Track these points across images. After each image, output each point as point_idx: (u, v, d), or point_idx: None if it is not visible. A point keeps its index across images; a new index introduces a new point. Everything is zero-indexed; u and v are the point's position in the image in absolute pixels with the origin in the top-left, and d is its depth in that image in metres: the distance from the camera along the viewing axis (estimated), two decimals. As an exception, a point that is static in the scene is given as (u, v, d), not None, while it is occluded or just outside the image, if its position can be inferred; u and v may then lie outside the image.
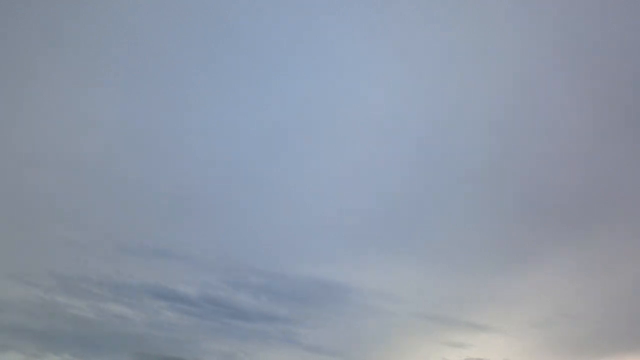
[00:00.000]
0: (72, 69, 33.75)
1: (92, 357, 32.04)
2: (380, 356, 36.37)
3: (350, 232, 36.55)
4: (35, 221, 31.74)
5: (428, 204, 35.63)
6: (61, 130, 33.68)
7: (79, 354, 32.08)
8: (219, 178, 36.60)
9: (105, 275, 33.19)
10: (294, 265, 35.80)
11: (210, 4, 34.29)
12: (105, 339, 32.95)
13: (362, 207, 36.25)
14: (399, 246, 35.61)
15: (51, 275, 31.76)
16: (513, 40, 32.03)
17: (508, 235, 35.47)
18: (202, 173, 36.34)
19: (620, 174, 34.03)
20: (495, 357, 33.59)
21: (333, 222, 36.53)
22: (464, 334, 34.46)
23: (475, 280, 35.14)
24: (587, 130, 33.64)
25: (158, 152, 36.07)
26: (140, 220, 34.34)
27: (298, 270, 35.62)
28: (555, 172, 34.53)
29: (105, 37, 33.61)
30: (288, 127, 37.05)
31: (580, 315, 34.25)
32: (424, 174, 35.30)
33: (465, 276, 35.13)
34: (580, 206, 35.20)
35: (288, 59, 35.87)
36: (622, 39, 31.32)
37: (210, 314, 35.50)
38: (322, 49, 34.28)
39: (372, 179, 36.11)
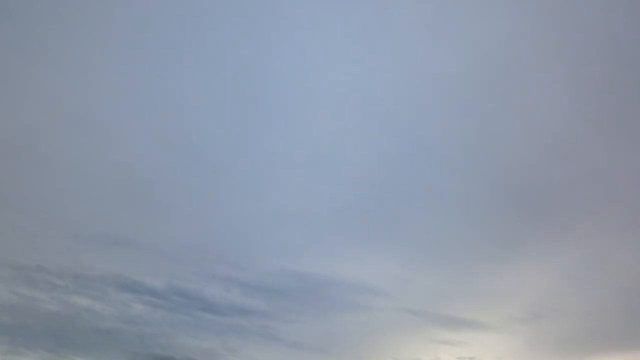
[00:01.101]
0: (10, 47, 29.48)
1: (68, 354, 31.16)
2: (366, 353, 33.55)
3: (325, 222, 33.42)
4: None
5: (409, 195, 33.25)
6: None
7: (54, 350, 31.22)
8: (182, 163, 32.55)
9: (64, 265, 31.21)
10: (265, 256, 33.00)
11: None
12: (79, 334, 31.81)
13: (337, 196, 33.20)
14: (377, 238, 33.39)
15: (5, 265, 30.00)
16: (498, 25, 29.86)
17: (493, 228, 34.04)
18: (164, 158, 32.26)
19: (607, 168, 32.78)
20: (485, 354, 32.70)
21: (305, 212, 33.08)
22: (451, 330, 33.28)
23: (461, 274, 33.78)
24: (574, 123, 31.92)
25: (113, 133, 32.04)
26: (94, 207, 31.36)
27: (269, 261, 32.87)
28: (541, 166, 32.94)
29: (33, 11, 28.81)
30: (257, 112, 33.03)
31: (568, 311, 33.37)
32: (406, 163, 32.91)
33: (450, 270, 33.77)
34: (567, 200, 33.80)
35: (251, 42, 31.51)
36: (606, 27, 29.71)
37: (182, 307, 33.86)
38: (290, 27, 31.13)
39: (348, 167, 33.05)
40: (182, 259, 32.44)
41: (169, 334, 33.43)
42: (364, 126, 32.15)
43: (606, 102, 31.56)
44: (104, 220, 31.79)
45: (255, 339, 33.58)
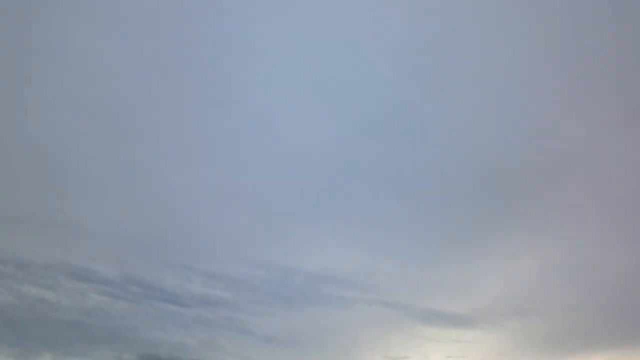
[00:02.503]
0: None
1: (33, 347, 28.82)
2: (349, 350, 30.48)
3: (280, 206, 29.64)
4: None
5: (373, 179, 30.24)
6: None
7: (18, 345, 28.83)
8: (103, 133, 27.68)
9: (3, 249, 27.93)
10: (222, 243, 29.34)
11: None
12: (40, 327, 29.15)
13: (292, 177, 29.57)
14: (341, 225, 30.21)
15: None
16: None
17: (467, 217, 31.30)
18: (83, 127, 27.53)
19: (588, 155, 30.78)
20: (475, 353, 30.67)
21: (255, 194, 29.31)
22: (434, 326, 31.04)
23: (433, 264, 31.24)
24: (553, 106, 29.74)
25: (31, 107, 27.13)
26: (27, 187, 26.95)
27: (227, 249, 29.35)
28: (519, 150, 30.70)
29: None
30: (197, 80, 28.62)
31: (549, 306, 31.28)
32: (369, 145, 29.98)
33: (422, 260, 31.28)
34: (546, 190, 31.33)
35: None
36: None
37: (142, 298, 30.66)
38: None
39: (299, 144, 29.69)
40: (131, 245, 28.43)
41: (134, 327, 30.27)
42: (325, 109, 28.52)
43: (586, 87, 29.58)
44: (38, 201, 27.98)
45: (226, 333, 29.91)
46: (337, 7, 27.84)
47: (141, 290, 29.85)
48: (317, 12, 27.77)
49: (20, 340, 28.33)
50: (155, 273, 28.98)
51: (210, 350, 30.02)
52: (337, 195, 29.73)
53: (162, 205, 28.24)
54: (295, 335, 29.20)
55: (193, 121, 28.19)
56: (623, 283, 30.96)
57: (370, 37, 28.24)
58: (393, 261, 30.18)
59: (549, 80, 29.46)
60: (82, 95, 26.63)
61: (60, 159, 27.33)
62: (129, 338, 30.02)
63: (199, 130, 28.31)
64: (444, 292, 30.65)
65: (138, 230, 28.06)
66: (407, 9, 27.60)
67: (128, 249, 28.41)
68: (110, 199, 28.16)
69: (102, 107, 26.77)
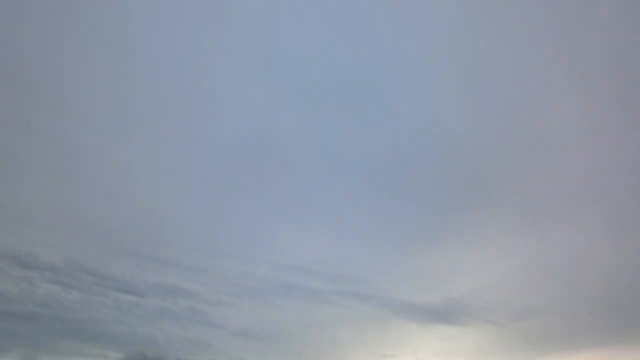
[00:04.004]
0: None
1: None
2: (323, 344, 27.15)
3: (240, 192, 25.71)
4: None
5: (337, 164, 27.51)
6: None
7: None
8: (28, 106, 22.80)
9: None
10: (170, 227, 24.59)
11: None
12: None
13: (250, 161, 26.59)
14: (298, 212, 26.88)
15: None
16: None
17: (433, 206, 28.72)
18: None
19: (556, 142, 28.13)
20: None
21: (211, 180, 25.68)
22: (405, 317, 28.36)
23: (398, 253, 28.35)
24: (523, 91, 27.48)
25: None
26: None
27: (176, 234, 25.69)
28: (491, 132, 28.03)
29: None
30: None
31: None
32: (325, 124, 27.26)
33: (393, 250, 28.41)
34: (517, 175, 28.84)
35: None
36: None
37: (95, 287, 26.96)
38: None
39: (264, 131, 26.75)
40: (75, 228, 24.46)
41: (93, 319, 26.59)
42: (276, 85, 25.10)
43: (572, 69, 27.10)
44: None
45: (193, 326, 25.76)
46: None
47: (91, 278, 26.11)
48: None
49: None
50: (104, 260, 24.97)
51: (177, 344, 26.04)
52: (296, 180, 26.80)
53: (105, 186, 23.75)
54: (269, 330, 25.27)
55: (137, 95, 23.55)
56: (603, 275, 28.79)
57: (329, 16, 25.91)
58: (361, 251, 27.38)
59: (528, 61, 27.13)
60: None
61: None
62: (90, 331, 26.52)
63: (143, 105, 23.81)
64: (417, 283, 28.20)
65: (79, 213, 23.87)
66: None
67: (70, 233, 24.28)
68: (44, 179, 23.77)
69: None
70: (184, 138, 25.24)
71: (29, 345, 25.66)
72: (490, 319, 28.45)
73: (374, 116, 27.23)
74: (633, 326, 28.14)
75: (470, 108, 27.41)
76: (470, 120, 27.60)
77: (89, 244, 24.57)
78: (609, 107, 27.51)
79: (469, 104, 27.42)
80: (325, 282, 25.80)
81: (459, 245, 28.57)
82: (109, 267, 25.21)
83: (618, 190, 28.52)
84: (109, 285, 26.01)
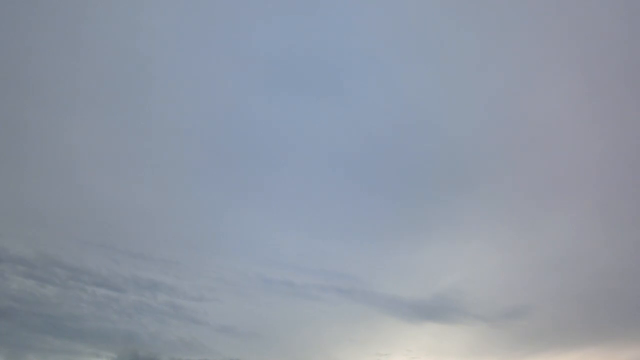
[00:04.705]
0: None
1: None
2: (308, 341, 25.84)
3: (211, 180, 24.27)
4: None
5: (310, 152, 26.38)
6: None
7: None
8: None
9: None
10: (146, 220, 23.19)
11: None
12: None
13: (216, 144, 25.55)
14: (274, 205, 26.01)
15: None
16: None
17: (413, 199, 27.71)
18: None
19: (541, 135, 27.05)
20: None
21: (178, 166, 24.22)
22: (390, 313, 27.20)
23: (382, 248, 27.36)
24: (508, 80, 26.19)
25: None
26: None
27: (149, 227, 24.23)
28: (475, 127, 26.67)
29: None
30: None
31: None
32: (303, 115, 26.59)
33: (371, 244, 27.24)
34: (502, 170, 27.76)
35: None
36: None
37: (69, 281, 24.91)
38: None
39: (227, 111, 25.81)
40: (40, 219, 22.27)
41: (72, 315, 25.05)
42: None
43: (559, 59, 26.27)
44: None
45: (174, 322, 24.30)
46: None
47: (66, 272, 24.54)
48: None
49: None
50: (75, 252, 23.29)
51: (160, 341, 24.66)
52: (278, 174, 25.70)
53: (71, 177, 21.85)
54: (255, 327, 23.82)
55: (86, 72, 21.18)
56: (595, 273, 27.95)
57: (309, 2, 25.26)
58: (345, 245, 26.17)
59: (515, 52, 26.31)
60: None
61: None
62: (72, 328, 25.12)
63: (106, 91, 21.89)
64: (403, 278, 27.13)
65: (45, 204, 21.96)
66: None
67: (38, 225, 22.53)
68: (5, 169, 21.71)
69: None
70: (153, 126, 23.62)
71: (11, 342, 24.32)
72: (481, 316, 27.50)
73: (355, 108, 26.66)
74: (624, 324, 27.54)
75: (457, 101, 26.52)
76: (456, 112, 26.84)
77: (58, 236, 22.88)
78: (600, 102, 26.88)
79: (455, 96, 26.54)
80: (307, 277, 24.73)
81: (446, 240, 27.79)
82: (81, 261, 23.64)
83: (609, 186, 27.70)
84: (84, 279, 24.49)
